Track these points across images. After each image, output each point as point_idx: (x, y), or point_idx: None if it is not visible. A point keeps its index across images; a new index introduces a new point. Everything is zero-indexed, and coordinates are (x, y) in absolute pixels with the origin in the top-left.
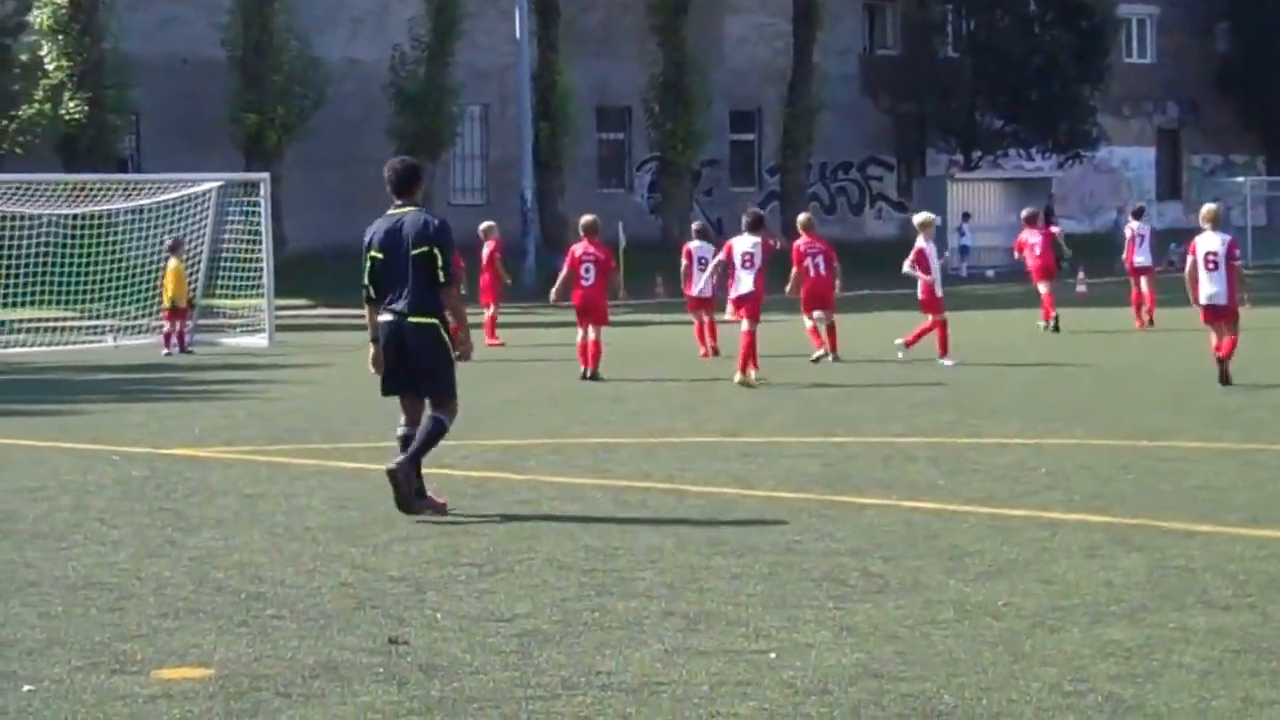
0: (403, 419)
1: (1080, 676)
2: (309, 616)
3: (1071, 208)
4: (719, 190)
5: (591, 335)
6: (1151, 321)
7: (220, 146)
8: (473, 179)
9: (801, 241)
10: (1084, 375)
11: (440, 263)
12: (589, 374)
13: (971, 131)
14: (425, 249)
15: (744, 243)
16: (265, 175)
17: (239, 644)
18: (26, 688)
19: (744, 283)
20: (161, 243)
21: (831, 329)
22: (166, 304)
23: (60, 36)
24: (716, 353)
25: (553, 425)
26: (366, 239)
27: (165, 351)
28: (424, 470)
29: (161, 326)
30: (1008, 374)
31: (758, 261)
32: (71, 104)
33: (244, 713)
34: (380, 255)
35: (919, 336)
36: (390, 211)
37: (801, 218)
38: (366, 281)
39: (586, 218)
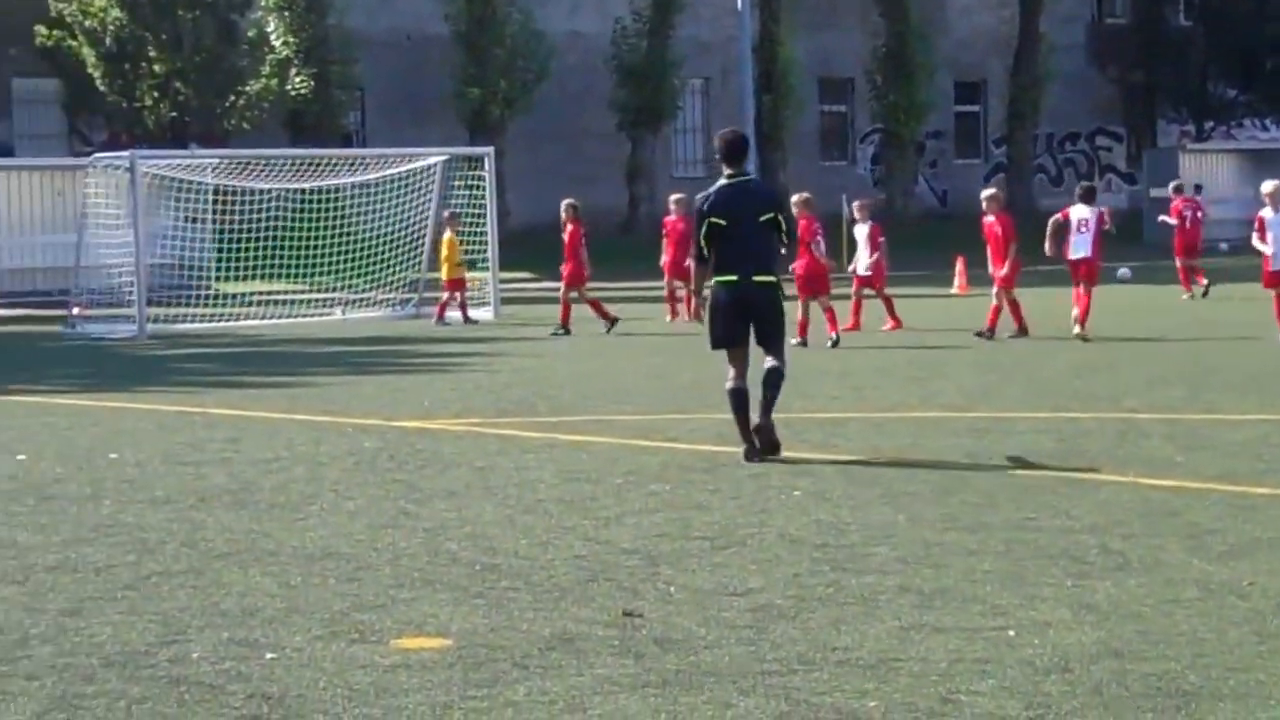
0: (731, 373)
1: None
2: (543, 588)
3: None
4: (944, 162)
5: (814, 306)
6: None
7: (443, 121)
8: (694, 152)
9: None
10: None
11: (785, 228)
12: (836, 340)
13: (1203, 101)
14: (773, 215)
15: (1081, 210)
16: (489, 149)
17: (475, 615)
18: (269, 655)
19: (1080, 247)
20: (387, 217)
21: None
22: (452, 275)
23: (286, 13)
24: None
25: (779, 400)
26: (703, 205)
27: (465, 321)
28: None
29: (454, 299)
30: (1240, 348)
31: (1092, 228)
32: (297, 79)
33: (482, 683)
34: (722, 221)
35: None
36: (724, 181)
37: (988, 193)
38: (702, 242)
39: (805, 195)
